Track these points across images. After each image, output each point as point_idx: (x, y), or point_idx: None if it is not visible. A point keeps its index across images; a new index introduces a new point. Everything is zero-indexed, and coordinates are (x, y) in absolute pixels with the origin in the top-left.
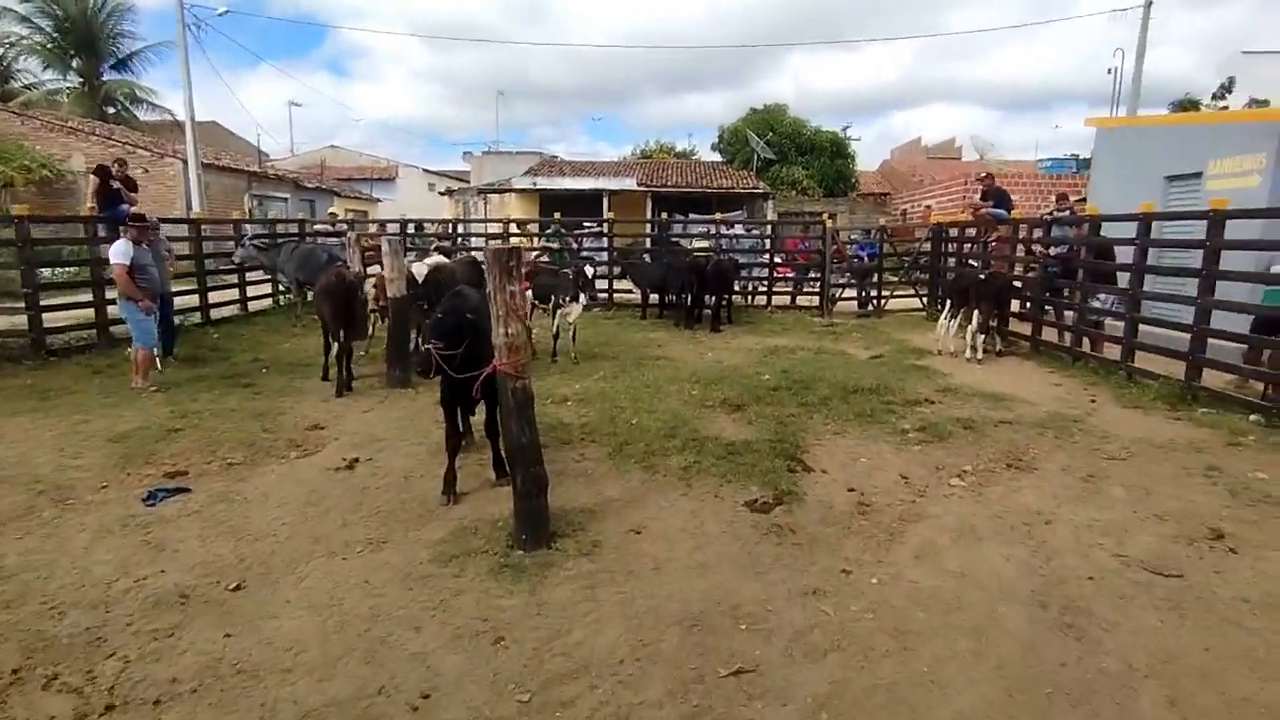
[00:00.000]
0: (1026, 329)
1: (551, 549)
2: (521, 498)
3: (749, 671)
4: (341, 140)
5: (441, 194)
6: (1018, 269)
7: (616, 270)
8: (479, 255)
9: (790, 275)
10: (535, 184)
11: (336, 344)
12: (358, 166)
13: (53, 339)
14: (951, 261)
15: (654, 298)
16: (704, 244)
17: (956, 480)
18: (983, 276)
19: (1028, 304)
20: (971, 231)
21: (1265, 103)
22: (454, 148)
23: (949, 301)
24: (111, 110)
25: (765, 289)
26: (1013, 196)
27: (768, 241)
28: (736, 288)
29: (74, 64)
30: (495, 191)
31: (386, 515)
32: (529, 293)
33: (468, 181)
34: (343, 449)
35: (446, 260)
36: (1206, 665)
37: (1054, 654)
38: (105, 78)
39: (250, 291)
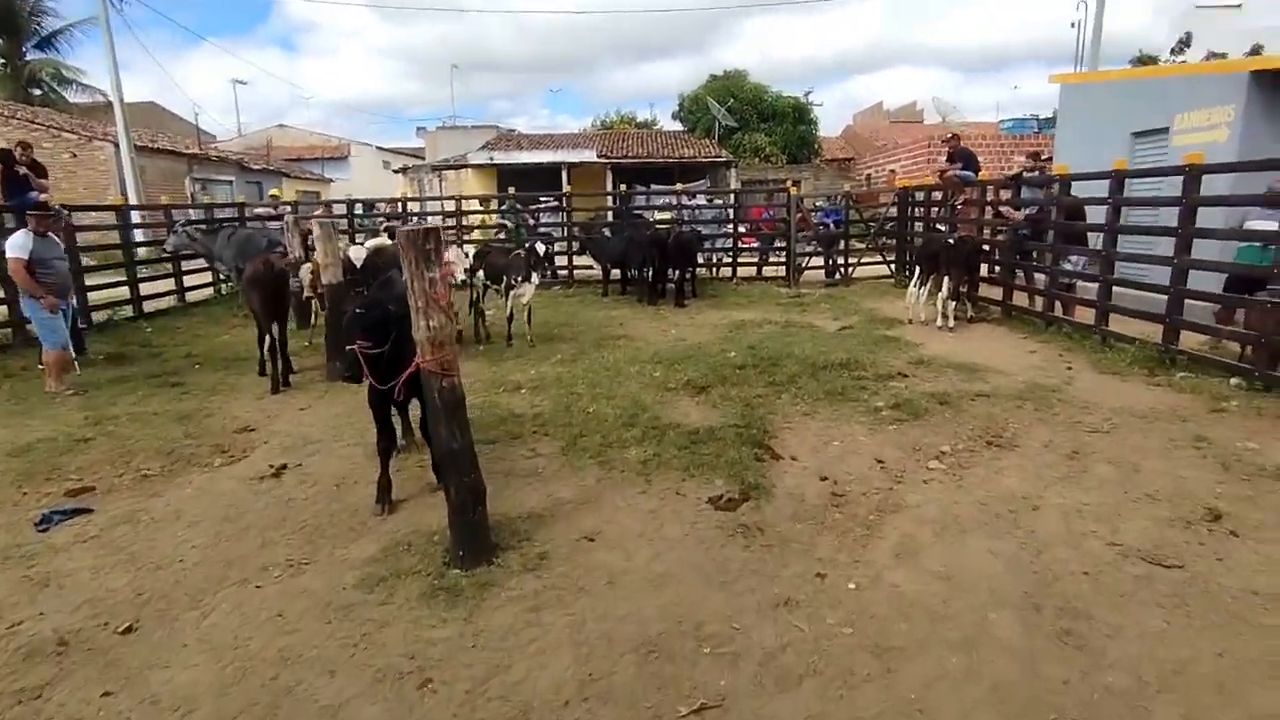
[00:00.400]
0: (997, 294)
1: (493, 565)
2: (456, 510)
3: (713, 707)
4: (294, 119)
5: (395, 172)
6: (986, 232)
7: (576, 246)
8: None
9: (755, 245)
10: (492, 159)
11: (269, 336)
12: (308, 145)
13: None
14: (919, 226)
15: (617, 274)
16: (666, 215)
17: (935, 463)
18: (951, 241)
19: (997, 268)
20: (938, 195)
21: (1224, 56)
22: (411, 124)
23: (918, 268)
24: (38, 92)
25: (730, 260)
26: (978, 158)
27: (731, 211)
28: (700, 260)
29: None
30: (450, 168)
31: (312, 531)
32: (480, 274)
33: (423, 159)
34: (271, 454)
35: (390, 241)
36: (1222, 674)
37: (1054, 669)
38: (29, 57)
39: (189, 281)
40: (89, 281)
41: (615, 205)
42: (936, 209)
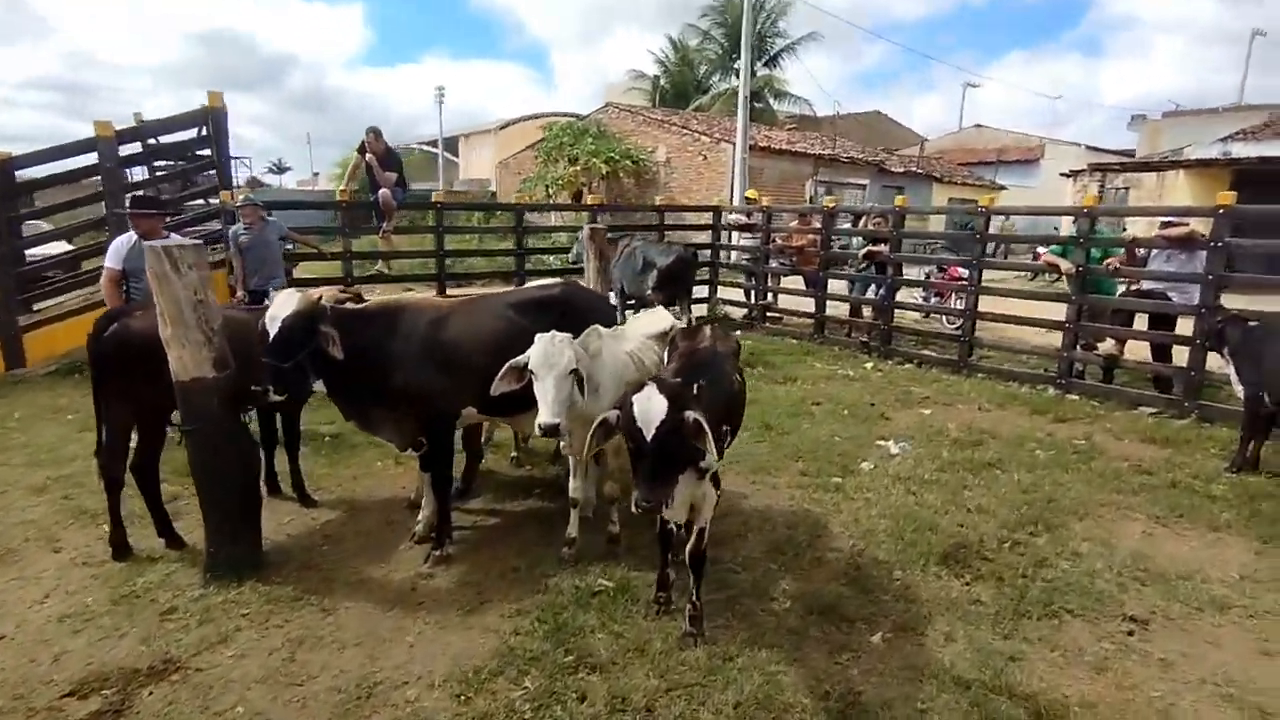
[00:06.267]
0: None
1: None
2: None
3: None
4: (1069, 127)
5: (1063, 175)
6: None
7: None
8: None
9: None
10: (1227, 152)
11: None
12: (999, 147)
13: None
14: None
15: None
16: None
17: None
18: None
19: None
20: None
21: None
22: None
23: None
24: (759, 105)
25: None
26: None
27: None
28: None
29: (735, 66)
30: (1142, 167)
31: None
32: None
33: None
34: None
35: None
36: None
37: None
38: (758, 74)
39: None
40: None
41: None
42: None
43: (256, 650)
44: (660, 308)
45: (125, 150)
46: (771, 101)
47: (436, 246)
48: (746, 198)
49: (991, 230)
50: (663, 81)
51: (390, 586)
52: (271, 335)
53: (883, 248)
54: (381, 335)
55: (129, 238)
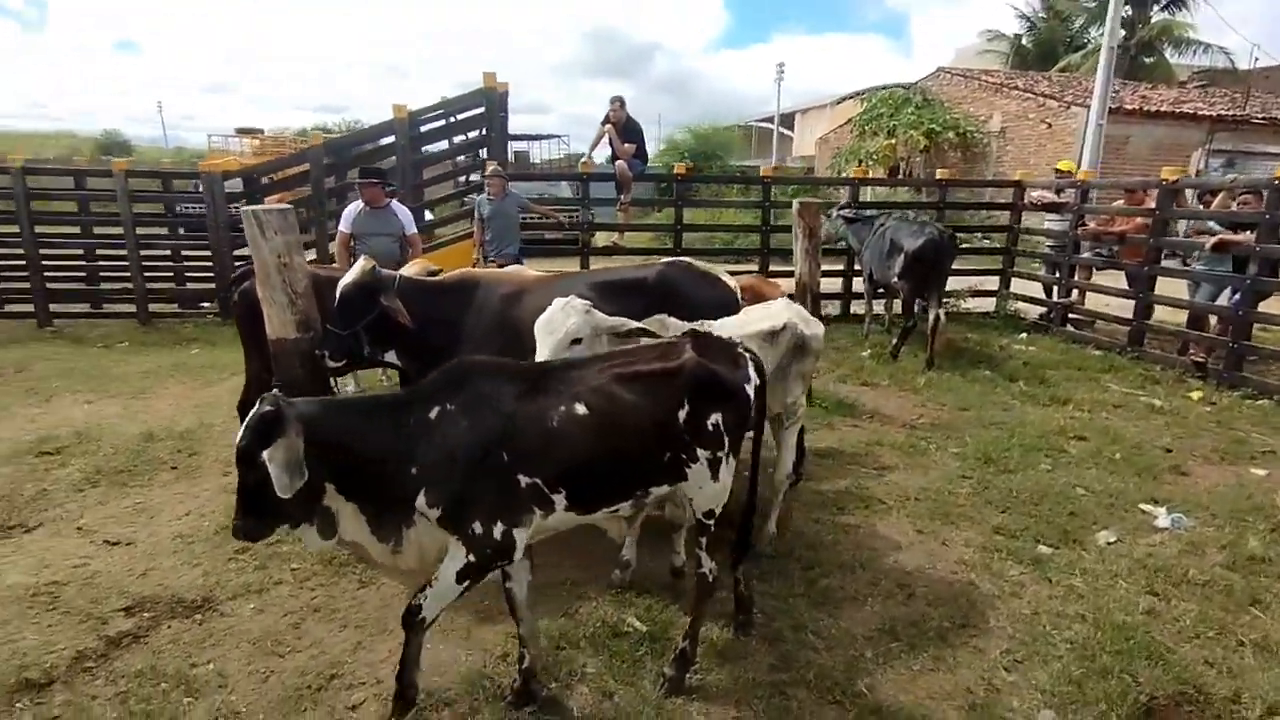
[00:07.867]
0: None
1: None
2: None
3: None
4: None
5: None
6: None
7: None
8: None
9: None
10: None
11: None
12: None
13: None
14: None
15: None
16: None
17: None
18: None
19: None
20: None
21: None
22: None
23: None
24: (1149, 60)
25: None
26: None
27: None
28: None
29: (1123, 15)
30: None
31: None
32: None
33: None
34: None
35: None
36: None
37: None
38: (1153, 21)
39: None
40: None
41: None
42: None
43: (276, 609)
44: (778, 301)
45: (425, 128)
46: (1169, 54)
47: (675, 220)
48: (1057, 170)
49: None
50: (1024, 40)
51: None
52: (336, 303)
53: (1244, 236)
54: (452, 308)
55: (357, 204)
